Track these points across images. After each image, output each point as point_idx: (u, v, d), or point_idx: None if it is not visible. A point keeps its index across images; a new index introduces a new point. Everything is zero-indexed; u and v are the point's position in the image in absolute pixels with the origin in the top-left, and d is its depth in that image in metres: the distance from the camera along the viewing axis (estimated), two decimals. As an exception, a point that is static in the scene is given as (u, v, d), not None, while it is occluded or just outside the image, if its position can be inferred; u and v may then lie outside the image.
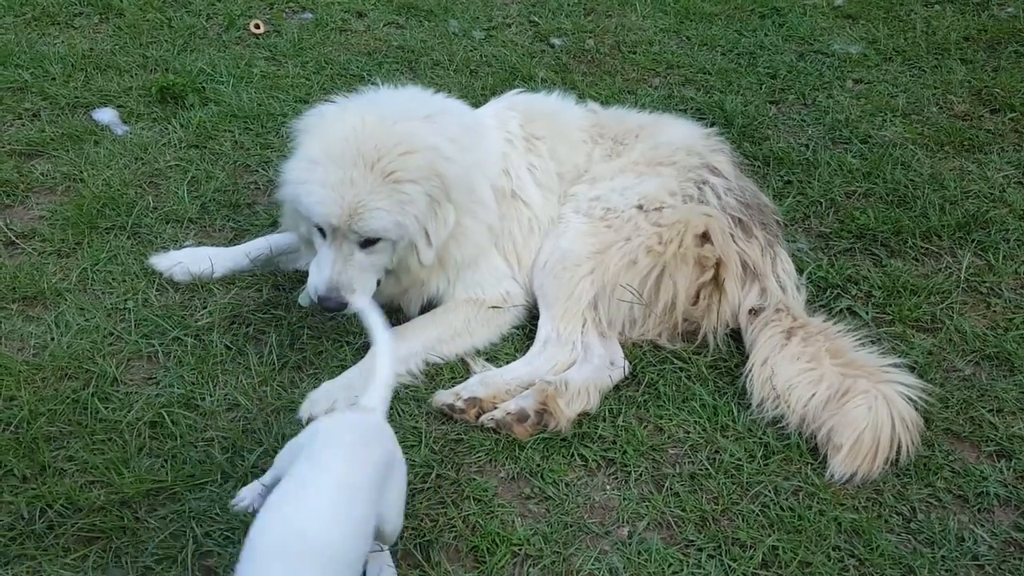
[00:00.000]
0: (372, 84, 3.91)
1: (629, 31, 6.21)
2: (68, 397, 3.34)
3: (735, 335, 3.75)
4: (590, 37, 6.13)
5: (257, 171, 4.66)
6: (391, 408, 3.40)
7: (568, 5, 6.55)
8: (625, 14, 6.45)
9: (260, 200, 4.49)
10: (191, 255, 4.00)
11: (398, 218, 3.31)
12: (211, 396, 3.42)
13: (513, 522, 3.05)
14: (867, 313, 3.95)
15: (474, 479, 3.19)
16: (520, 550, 2.96)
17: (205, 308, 3.81)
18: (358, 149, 3.27)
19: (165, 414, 3.31)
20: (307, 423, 3.32)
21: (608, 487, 3.23)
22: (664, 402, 3.52)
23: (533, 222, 3.86)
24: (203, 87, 5.20)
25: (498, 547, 2.95)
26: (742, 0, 6.63)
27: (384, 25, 6.17)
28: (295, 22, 6.15)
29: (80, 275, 3.92)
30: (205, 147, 4.78)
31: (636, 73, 5.73)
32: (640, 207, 3.76)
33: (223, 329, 3.72)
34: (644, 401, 3.53)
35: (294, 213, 3.49)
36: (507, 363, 3.67)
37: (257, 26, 5.84)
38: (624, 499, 3.16)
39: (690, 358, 3.69)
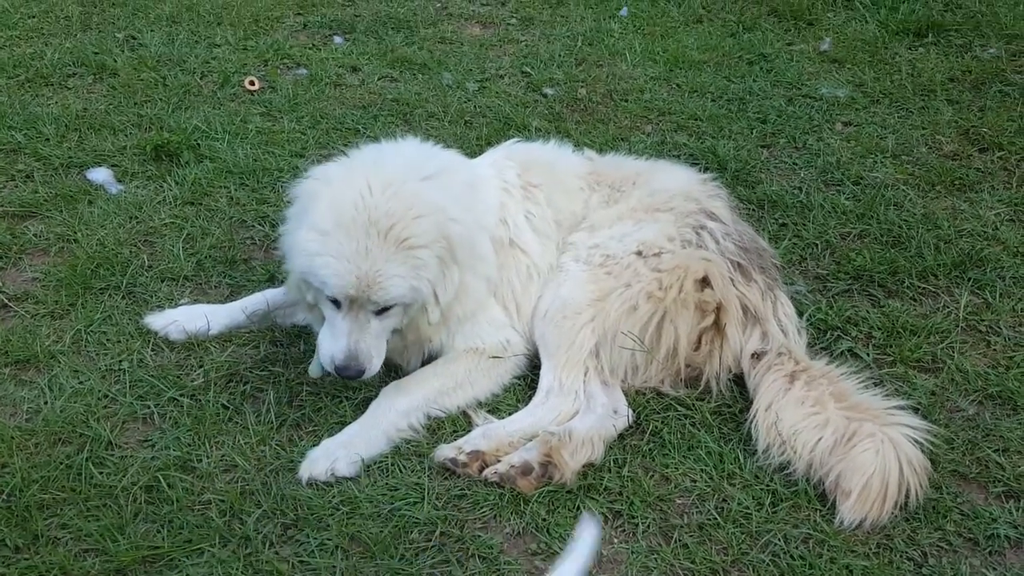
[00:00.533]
0: (369, 138, 3.92)
1: (620, 79, 6.26)
2: (62, 463, 3.27)
3: (738, 380, 3.72)
4: (582, 86, 6.18)
5: (253, 226, 4.65)
6: (393, 465, 3.36)
7: (560, 56, 6.61)
8: (616, 63, 6.51)
9: (256, 255, 4.47)
10: (187, 313, 3.97)
11: (413, 283, 3.31)
12: (208, 458, 3.36)
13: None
14: (868, 355, 3.92)
15: (479, 536, 3.13)
16: (529, 609, 2.90)
17: (201, 367, 3.77)
18: (369, 217, 3.24)
19: (161, 477, 3.24)
20: (307, 483, 3.27)
21: (616, 540, 3.17)
22: (669, 450, 3.47)
23: (531, 269, 3.84)
24: (198, 144, 5.21)
25: (506, 607, 2.89)
26: (730, 47, 6.71)
27: (378, 79, 6.22)
28: (290, 78, 6.19)
29: (74, 337, 3.88)
30: (200, 204, 4.77)
31: (628, 120, 5.76)
32: (639, 253, 3.75)
33: (220, 388, 3.67)
34: (649, 450, 3.48)
35: (302, 283, 3.45)
36: (510, 415, 3.63)
37: (252, 83, 5.87)
38: (632, 552, 3.10)
39: (694, 404, 3.65)
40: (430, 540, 3.11)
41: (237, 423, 3.53)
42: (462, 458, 3.36)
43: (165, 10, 7.09)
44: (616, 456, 3.45)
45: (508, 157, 4.07)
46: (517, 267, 3.84)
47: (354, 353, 3.33)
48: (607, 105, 5.94)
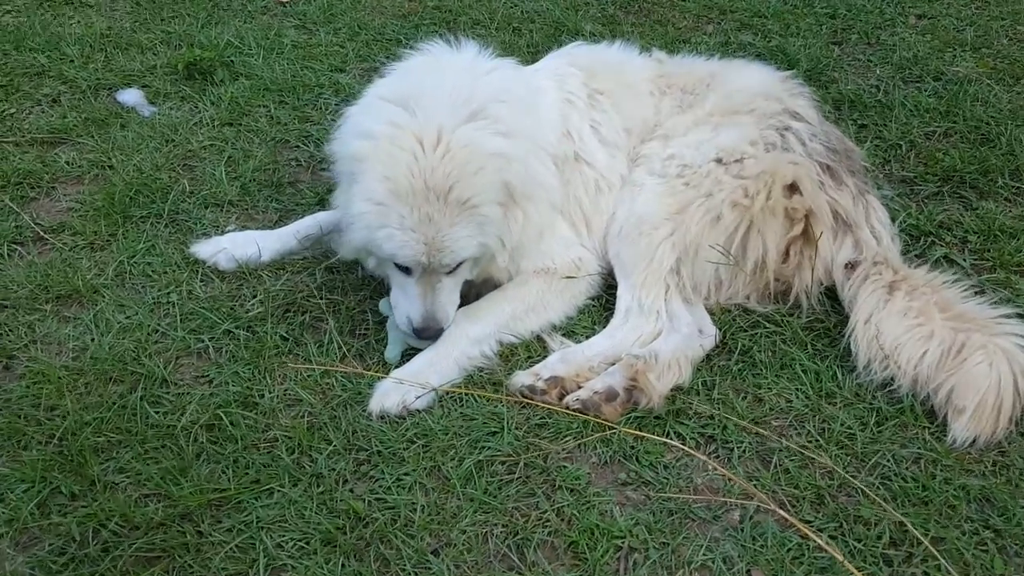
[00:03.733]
0: (411, 48, 3.59)
1: (675, -24, 5.86)
2: (114, 403, 3.09)
3: (830, 293, 3.46)
4: (635, -16, 5.79)
5: (298, 147, 4.39)
6: (467, 396, 3.15)
7: (608, -47, 6.18)
8: (669, -41, 6.09)
9: (303, 178, 4.22)
10: (235, 240, 3.74)
11: (480, 240, 3.12)
12: (270, 392, 3.17)
13: (612, 512, 2.80)
14: (965, 261, 3.66)
15: (564, 467, 2.93)
16: (623, 543, 2.71)
17: (255, 297, 3.55)
18: (426, 182, 3.00)
19: (222, 415, 3.05)
20: (379, 417, 3.07)
21: (711, 467, 2.96)
22: (761, 370, 3.24)
23: (600, 182, 3.58)
24: (232, 61, 4.92)
25: (599, 541, 2.70)
26: (788, -62, 6.25)
27: (419, -15, 5.85)
28: (323, -14, 5.83)
29: (117, 269, 3.67)
30: (240, 124, 4.50)
31: (688, 21, 5.40)
32: (719, 160, 3.46)
33: (277, 319, 3.46)
34: (739, 370, 3.25)
35: (364, 251, 3.27)
36: (587, 338, 3.40)
37: (283, -6, 5.54)
38: (729, 479, 2.89)
39: (783, 320, 3.41)
40: (513, 472, 2.92)
41: (299, 355, 3.33)
42: (540, 385, 3.15)
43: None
44: (704, 378, 3.22)
45: (571, 63, 3.76)
46: (584, 182, 3.57)
47: (431, 314, 3.17)
48: (664, 5, 5.57)
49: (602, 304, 3.56)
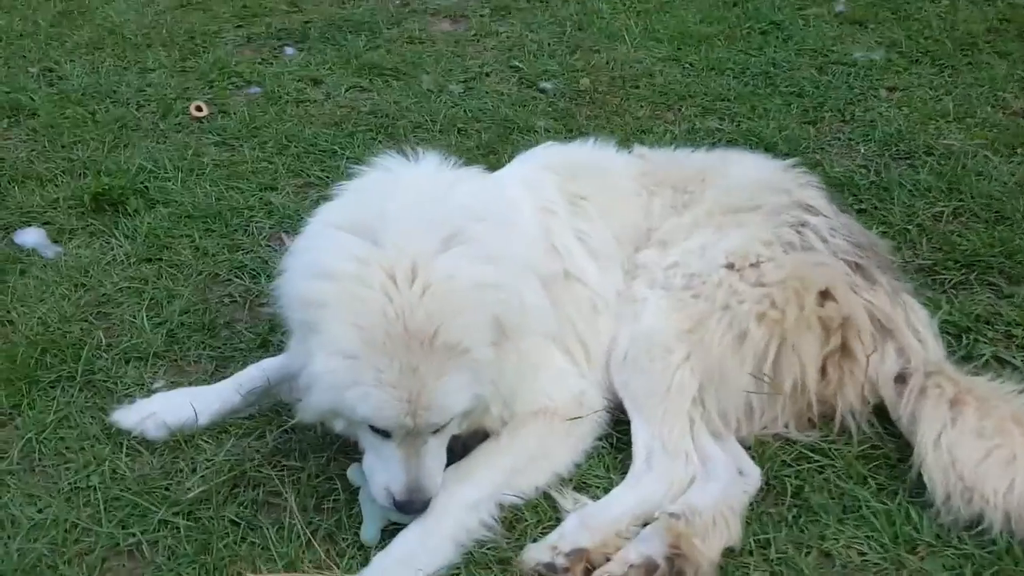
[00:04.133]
0: (350, 160, 3.05)
1: (624, 64, 5.49)
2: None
3: (878, 411, 2.97)
4: (583, 76, 5.38)
5: (230, 280, 3.79)
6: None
7: (549, 45, 5.81)
8: (614, 47, 5.74)
9: (240, 316, 3.61)
10: (166, 402, 3.11)
11: (473, 390, 2.58)
12: (225, 600, 2.52)
13: None
14: (1016, 358, 3.22)
15: None
16: None
17: (195, 472, 2.91)
18: (406, 327, 2.46)
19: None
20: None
21: (782, 648, 2.40)
22: (820, 516, 2.72)
23: (595, 301, 3.08)
24: (146, 187, 4.31)
25: None
26: (736, 17, 6.00)
27: (346, 90, 5.34)
28: (242, 99, 5.28)
29: (23, 450, 2.99)
30: (160, 260, 3.88)
31: (645, 110, 5.01)
32: (731, 266, 2.99)
33: (223, 498, 2.82)
34: (794, 518, 2.72)
35: (331, 413, 2.68)
36: (604, 492, 2.83)
37: (199, 108, 4.98)
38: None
39: (832, 451, 2.90)
40: None
41: (254, 543, 2.69)
42: (560, 561, 2.56)
43: (83, 36, 6.10)
44: (754, 531, 2.68)
45: (543, 167, 3.29)
46: (577, 302, 3.06)
47: (417, 483, 2.61)
48: (616, 94, 5.17)
49: (612, 444, 3.00)
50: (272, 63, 5.75)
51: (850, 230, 3.15)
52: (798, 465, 2.86)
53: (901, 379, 2.91)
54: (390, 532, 2.69)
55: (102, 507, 2.78)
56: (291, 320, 2.73)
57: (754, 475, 2.79)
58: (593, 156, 3.42)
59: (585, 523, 2.66)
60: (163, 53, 5.84)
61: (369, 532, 2.70)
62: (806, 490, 2.78)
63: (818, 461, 2.87)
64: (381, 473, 2.64)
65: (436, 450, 2.65)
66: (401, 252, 2.53)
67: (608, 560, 2.58)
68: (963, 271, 3.63)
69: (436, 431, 2.62)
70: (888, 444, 2.91)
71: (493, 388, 2.63)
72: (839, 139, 4.59)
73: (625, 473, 2.86)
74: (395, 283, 2.50)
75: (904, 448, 2.83)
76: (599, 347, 3.05)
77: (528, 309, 2.73)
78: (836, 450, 2.90)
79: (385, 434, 2.59)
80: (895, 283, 3.08)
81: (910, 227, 3.86)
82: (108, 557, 2.66)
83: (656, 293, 3.03)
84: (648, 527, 2.64)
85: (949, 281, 3.57)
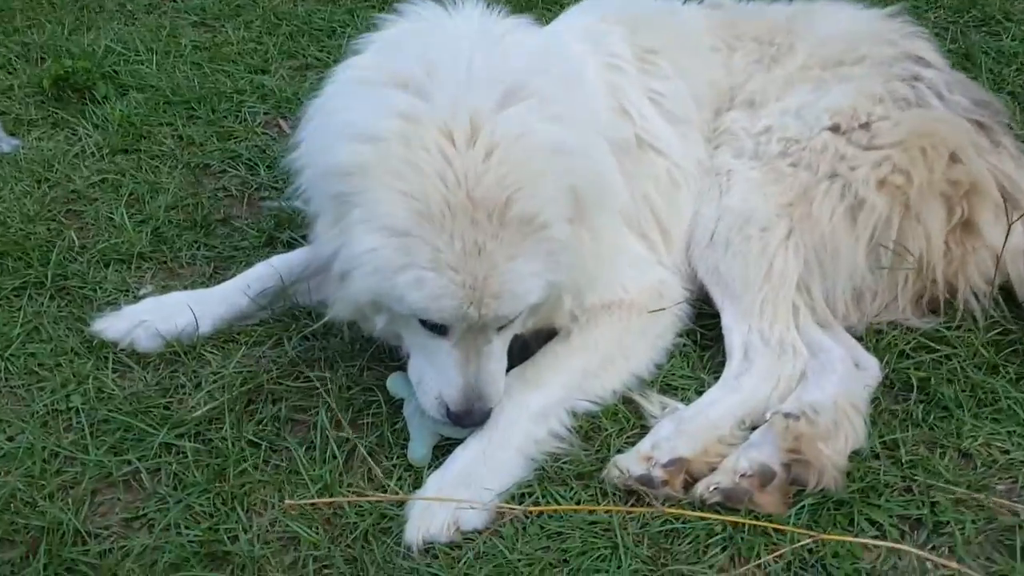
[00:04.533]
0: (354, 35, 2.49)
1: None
2: (6, 580, 1.94)
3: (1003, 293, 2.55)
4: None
5: (223, 172, 3.26)
6: (544, 497, 2.11)
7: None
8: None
9: (238, 212, 3.08)
10: (159, 308, 2.61)
11: (551, 277, 2.10)
12: (248, 531, 2.07)
13: None
14: None
15: None
16: None
17: (200, 388, 2.42)
18: (469, 195, 1.98)
19: (179, 580, 1.92)
20: (422, 551, 2.00)
21: (932, 566, 1.97)
22: (952, 411, 2.32)
23: (674, 174, 2.60)
24: (115, 72, 3.72)
25: None
26: None
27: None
28: (221, -25, 4.65)
29: (-10, 368, 2.48)
30: (138, 151, 3.32)
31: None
32: (835, 129, 2.53)
33: (238, 416, 2.34)
34: (923, 416, 2.31)
35: (372, 306, 2.19)
36: (695, 393, 2.40)
37: (170, -14, 4.36)
38: (968, 582, 1.93)
39: (956, 339, 2.48)
40: (653, 621, 1.88)
41: (279, 466, 2.24)
42: (657, 473, 2.13)
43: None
44: (880, 432, 2.25)
45: (603, 18, 2.75)
46: (654, 175, 2.58)
47: (477, 390, 2.17)
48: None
49: (695, 342, 2.55)
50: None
51: (966, 86, 2.70)
52: (919, 356, 2.45)
53: (1033, 253, 2.48)
54: (443, 450, 2.24)
55: (87, 431, 2.31)
56: (318, 198, 2.22)
57: (873, 367, 2.37)
58: (662, 6, 2.90)
59: (682, 429, 2.22)
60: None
61: (418, 451, 2.24)
62: (933, 383, 2.37)
63: (942, 350, 2.46)
64: (433, 379, 2.18)
65: (499, 351, 2.20)
66: (457, 107, 2.04)
67: (712, 471, 2.14)
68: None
69: (501, 327, 2.15)
70: (1020, 330, 2.48)
71: (568, 276, 2.15)
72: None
73: (717, 373, 2.42)
74: (453, 143, 2.01)
75: (1043, 332, 2.42)
76: (680, 229, 2.58)
77: (604, 183, 2.24)
78: (959, 338, 2.49)
79: (440, 330, 2.13)
80: (1020, 146, 2.64)
81: (1001, 94, 3.39)
82: (100, 489, 2.21)
83: (746, 164, 2.57)
84: (758, 431, 2.22)
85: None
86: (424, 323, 2.12)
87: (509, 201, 1.98)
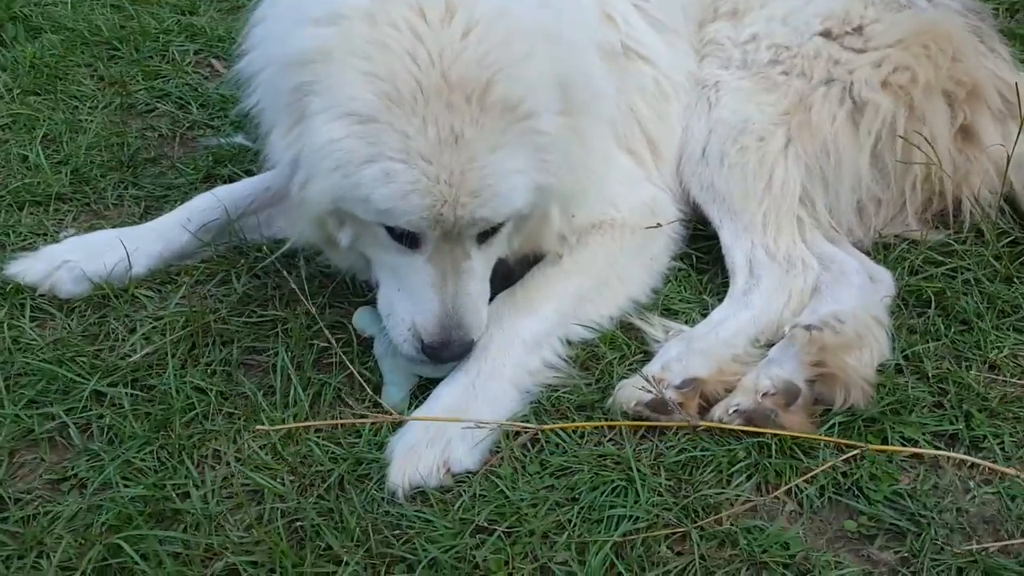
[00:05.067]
0: None
1: None
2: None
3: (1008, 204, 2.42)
4: None
5: (151, 111, 2.94)
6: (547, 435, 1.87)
7: None
8: None
9: (169, 151, 2.77)
10: (83, 246, 2.29)
11: (537, 178, 1.85)
12: (200, 487, 1.77)
13: None
14: None
15: (757, 529, 1.72)
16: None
17: (134, 332, 2.10)
18: (444, 75, 1.72)
19: (122, 543, 1.63)
20: (409, 497, 1.73)
21: (974, 485, 1.80)
22: (974, 323, 2.16)
23: (663, 84, 2.38)
24: (25, 14, 3.35)
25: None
26: None
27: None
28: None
29: None
30: (53, 91, 2.97)
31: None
32: (827, 33, 2.36)
33: (181, 361, 2.03)
34: (944, 329, 2.13)
35: (329, 216, 1.91)
36: (700, 315, 2.19)
37: (82, -67, 3.99)
38: (1005, 506, 1.76)
39: (966, 252, 2.31)
40: (680, 555, 1.68)
41: (232, 415, 1.93)
42: (671, 395, 1.89)
43: None
44: (902, 346, 2.07)
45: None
46: (641, 85, 2.35)
47: (455, 317, 1.89)
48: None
49: (692, 266, 2.34)
50: None
51: (955, -10, 2.55)
52: (930, 270, 2.28)
53: (1041, 158, 2.34)
54: (422, 392, 1.97)
55: (2, 385, 1.97)
56: (274, 100, 1.93)
57: (887, 280, 2.20)
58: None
59: (692, 347, 2.01)
60: None
61: (394, 395, 1.98)
62: (948, 296, 2.20)
63: (952, 263, 2.29)
64: (404, 307, 1.91)
65: (480, 271, 1.93)
66: None
67: (728, 392, 1.93)
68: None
69: (483, 241, 1.90)
70: (1029, 236, 2.35)
71: (558, 179, 1.90)
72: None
73: (720, 295, 2.22)
74: (426, 21, 1.75)
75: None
76: (671, 143, 2.37)
77: (593, 83, 2.00)
78: (968, 251, 2.34)
79: (411, 242, 1.86)
80: (1013, 52, 2.50)
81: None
82: (18, 449, 1.89)
83: (734, 74, 2.38)
84: (777, 346, 2.01)
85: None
86: (393, 233, 1.85)
87: (490, 83, 1.73)
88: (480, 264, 1.92)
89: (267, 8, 1.98)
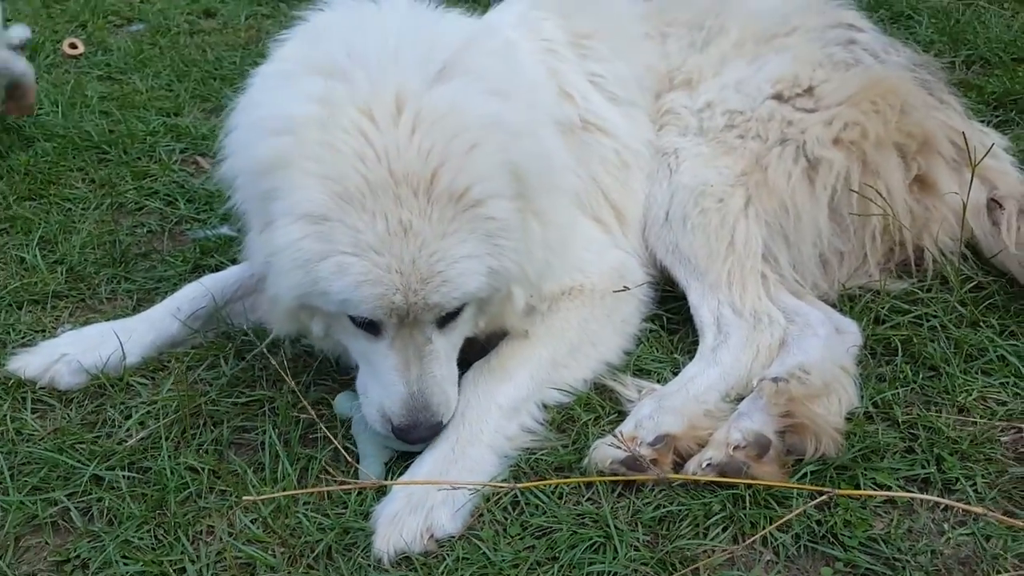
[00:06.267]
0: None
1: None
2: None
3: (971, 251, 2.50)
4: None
5: (140, 209, 3.07)
6: (520, 499, 1.92)
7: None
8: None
9: (159, 246, 2.87)
10: (79, 340, 2.38)
11: (492, 263, 1.92)
12: (196, 560, 1.83)
13: None
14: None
15: None
16: None
17: (129, 418, 2.17)
18: (391, 170, 1.83)
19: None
20: (393, 562, 1.79)
21: (948, 527, 1.85)
22: (940, 369, 2.21)
23: (623, 154, 2.49)
24: (17, 125, 3.49)
25: None
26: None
27: (246, 18, 4.61)
28: (124, 36, 4.48)
29: None
30: (46, 196, 3.10)
31: None
32: (779, 97, 2.47)
33: (175, 443, 2.10)
34: (912, 376, 2.18)
35: (299, 311, 2.01)
36: (671, 374, 2.25)
37: (73, 45, 4.21)
38: (980, 547, 1.81)
39: (929, 300, 2.39)
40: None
41: (224, 492, 2.00)
42: (645, 451, 1.95)
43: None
44: (871, 394, 2.13)
45: (535, 4, 2.65)
46: (602, 156, 2.46)
47: (422, 400, 1.96)
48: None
49: (663, 327, 2.41)
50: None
51: (901, 48, 2.68)
52: (896, 318, 2.34)
53: (995, 206, 2.42)
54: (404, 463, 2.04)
55: (6, 473, 2.04)
56: (248, 205, 2.05)
57: (853, 330, 2.26)
58: (588, -3, 2.82)
59: (664, 405, 2.07)
60: (21, -1, 4.95)
61: (372, 468, 2.04)
62: (916, 343, 2.26)
63: (914, 310, 2.37)
64: (374, 389, 1.99)
65: (444, 353, 2.00)
66: (380, 87, 1.90)
67: (701, 447, 1.98)
68: (999, 111, 3.20)
69: (443, 325, 1.98)
70: (994, 282, 2.42)
71: (515, 263, 1.97)
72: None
73: (690, 353, 2.28)
74: (374, 122, 1.87)
75: (1010, 286, 2.37)
76: (635, 210, 2.47)
77: (551, 163, 2.11)
78: (934, 298, 2.41)
79: (373, 329, 1.94)
80: (962, 103, 2.61)
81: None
82: (23, 535, 1.94)
83: (692, 140, 2.48)
84: (746, 400, 2.07)
85: (989, 123, 3.10)
86: (355, 321, 1.93)
87: (435, 175, 1.83)
88: (443, 347, 1.99)
89: (237, 117, 2.10)
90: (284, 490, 1.96)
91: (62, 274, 2.70)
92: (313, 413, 2.14)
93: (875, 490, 1.91)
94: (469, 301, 1.97)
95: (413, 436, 1.96)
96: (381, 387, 1.97)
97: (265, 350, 2.31)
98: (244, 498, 1.88)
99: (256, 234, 2.00)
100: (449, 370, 2.03)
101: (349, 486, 1.92)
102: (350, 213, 1.82)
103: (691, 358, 2.25)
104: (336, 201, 1.82)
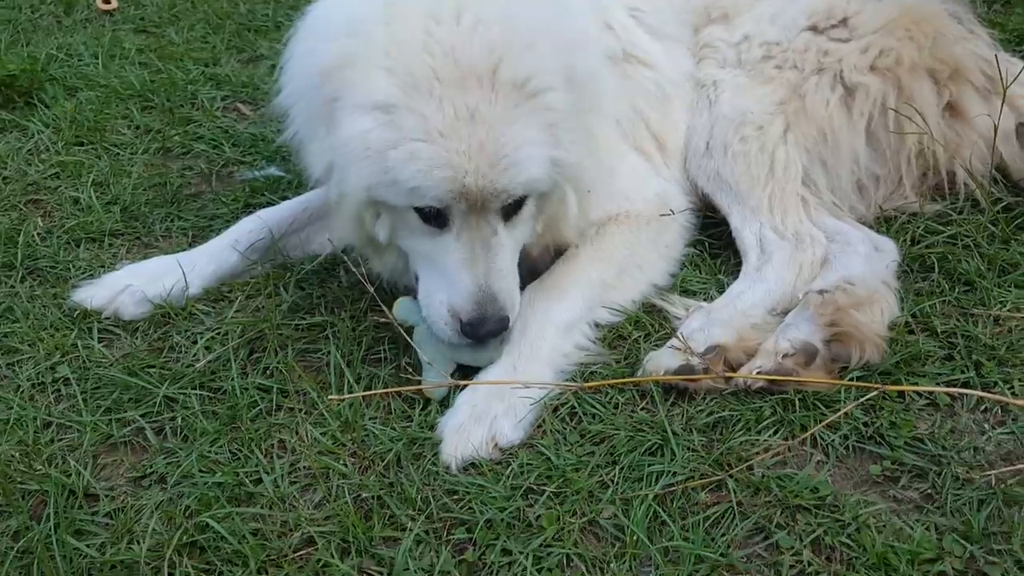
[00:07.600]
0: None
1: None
2: (10, 548, 1.77)
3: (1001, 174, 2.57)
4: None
5: (186, 153, 3.14)
6: (578, 409, 2.01)
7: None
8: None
9: (208, 189, 2.95)
10: (142, 271, 2.46)
11: (553, 152, 1.99)
12: (271, 471, 1.91)
13: (897, 526, 1.74)
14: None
15: (786, 477, 1.84)
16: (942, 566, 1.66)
17: (197, 343, 2.26)
18: (456, 61, 1.91)
19: (210, 521, 1.77)
20: (460, 469, 1.89)
21: (988, 427, 1.94)
22: (977, 282, 2.30)
23: (664, 86, 2.56)
24: (61, 76, 3.57)
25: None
26: None
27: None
28: (154, -10, 4.54)
29: (-42, 349, 2.29)
30: (95, 141, 3.17)
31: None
32: (814, 28, 2.53)
33: (242, 365, 2.19)
34: (947, 289, 2.29)
35: (364, 210, 2.07)
36: (717, 292, 2.35)
37: (107, 0, 4.23)
38: (1020, 443, 1.91)
39: (963, 220, 2.46)
40: (717, 503, 1.81)
41: (292, 409, 2.08)
42: (696, 361, 2.03)
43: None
44: (910, 307, 2.22)
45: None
46: (644, 88, 2.53)
47: (490, 293, 2.02)
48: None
49: (705, 251, 2.50)
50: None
51: (931, -21, 2.73)
52: (931, 238, 2.42)
53: (1023, 131, 2.49)
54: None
55: (80, 397, 2.13)
56: (309, 118, 2.12)
57: (891, 249, 2.34)
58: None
59: (713, 318, 2.16)
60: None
61: (433, 379, 2.11)
62: (951, 260, 2.34)
63: (951, 231, 2.44)
64: (441, 290, 2.04)
65: (507, 247, 2.06)
66: None
67: (748, 356, 2.07)
68: (1021, 47, 3.27)
69: (508, 218, 2.05)
70: (1021, 204, 2.51)
71: (573, 155, 2.03)
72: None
73: (734, 275, 2.37)
74: (437, 20, 1.96)
75: (1045, 205, 2.44)
76: (676, 140, 2.54)
77: (599, 82, 2.18)
78: (966, 219, 2.48)
79: (440, 222, 2.01)
80: (992, 33, 2.68)
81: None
82: (100, 452, 2.02)
83: (730, 72, 2.55)
84: (793, 312, 2.16)
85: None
86: (423, 214, 2.00)
87: (498, 66, 1.91)
88: (507, 241, 2.06)
89: (294, 46, 2.17)
90: (352, 406, 2.05)
91: (117, 213, 2.78)
92: (374, 335, 2.22)
93: (916, 397, 2.00)
94: (531, 192, 2.03)
95: (483, 331, 2.01)
96: (448, 284, 2.03)
97: (316, 282, 2.40)
98: (330, 397, 1.97)
99: (320, 141, 2.06)
100: (512, 267, 2.09)
101: (427, 386, 2.00)
102: (418, 101, 1.90)
103: (735, 279, 2.33)
104: (404, 90, 1.91)
